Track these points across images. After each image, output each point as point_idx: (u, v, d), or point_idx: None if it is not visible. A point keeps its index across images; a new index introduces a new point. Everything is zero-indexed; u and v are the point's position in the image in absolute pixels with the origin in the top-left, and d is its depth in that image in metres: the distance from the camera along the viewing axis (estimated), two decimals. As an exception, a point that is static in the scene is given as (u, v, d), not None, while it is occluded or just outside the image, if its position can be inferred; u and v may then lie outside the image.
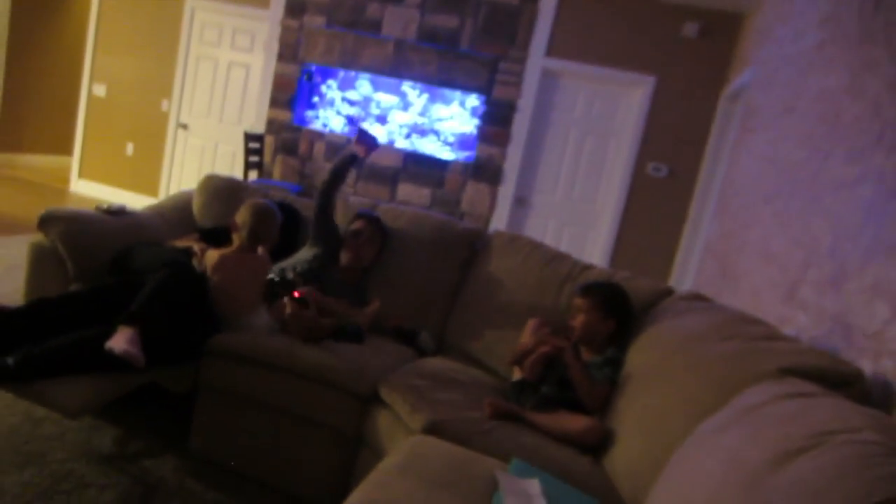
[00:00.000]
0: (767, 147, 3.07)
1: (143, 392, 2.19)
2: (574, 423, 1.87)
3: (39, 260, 2.47)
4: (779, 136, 2.90)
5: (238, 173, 6.30)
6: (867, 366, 1.56)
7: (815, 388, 1.33)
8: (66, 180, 7.11)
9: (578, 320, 2.14)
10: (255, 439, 2.16)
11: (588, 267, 2.50)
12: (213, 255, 2.34)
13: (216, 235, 2.73)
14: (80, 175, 6.95)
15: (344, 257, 2.63)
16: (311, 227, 2.71)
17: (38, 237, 2.49)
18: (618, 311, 2.14)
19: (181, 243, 2.66)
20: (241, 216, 2.38)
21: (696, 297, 2.22)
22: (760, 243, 2.77)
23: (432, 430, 1.77)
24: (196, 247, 2.49)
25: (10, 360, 1.79)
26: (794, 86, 2.82)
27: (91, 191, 6.87)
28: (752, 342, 1.69)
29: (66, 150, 7.66)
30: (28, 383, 1.80)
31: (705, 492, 1.11)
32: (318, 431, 2.10)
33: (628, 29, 5.12)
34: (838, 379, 1.47)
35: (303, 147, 6.01)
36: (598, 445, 1.84)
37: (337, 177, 2.67)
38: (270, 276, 2.45)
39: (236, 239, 2.39)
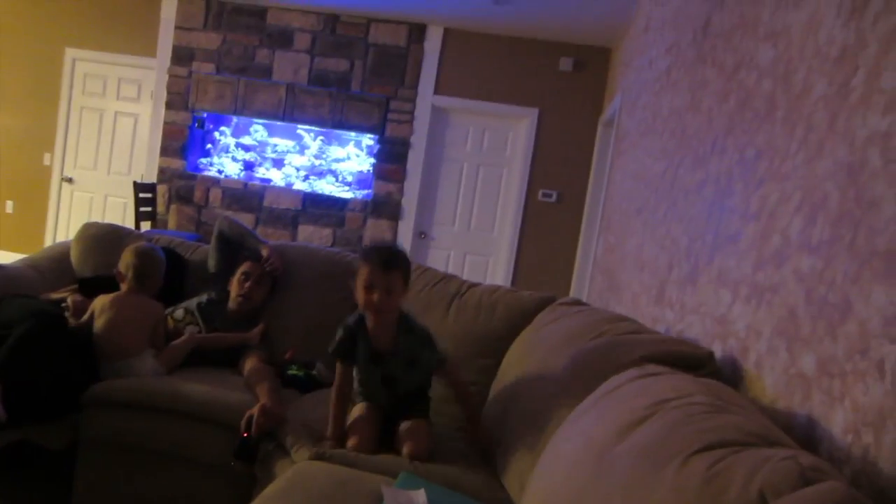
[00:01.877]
0: (635, 164, 3.31)
1: (18, 454, 2.06)
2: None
3: None
4: (643, 153, 3.14)
5: (130, 225, 6.08)
6: (718, 348, 1.71)
7: (665, 369, 1.44)
8: (-62, 244, 6.62)
9: (379, 298, 1.80)
10: (145, 491, 2.07)
11: (475, 285, 2.58)
12: (102, 299, 2.29)
13: (96, 285, 2.63)
14: (-46, 237, 6.50)
15: (233, 302, 2.59)
16: (218, 265, 2.70)
17: None
18: (403, 266, 1.86)
19: (57, 295, 2.54)
20: (124, 261, 2.34)
21: (576, 303, 2.34)
22: (635, 252, 2.96)
23: (321, 455, 1.76)
24: (69, 298, 2.39)
25: None
26: (651, 108, 3.08)
27: (-34, 254, 6.43)
28: (619, 336, 1.80)
29: (-62, 213, 7.15)
30: None
31: (563, 472, 1.18)
32: (211, 474, 2.04)
33: (509, 65, 5.41)
34: (692, 361, 1.60)
35: (198, 195, 5.89)
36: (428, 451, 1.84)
37: (231, 241, 2.75)
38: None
39: (124, 286, 2.34)
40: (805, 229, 1.31)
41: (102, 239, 2.88)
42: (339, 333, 1.92)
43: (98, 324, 2.22)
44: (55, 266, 2.83)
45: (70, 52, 6.23)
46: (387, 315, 1.87)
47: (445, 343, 2.37)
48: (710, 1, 2.25)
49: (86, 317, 2.26)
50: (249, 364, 2.31)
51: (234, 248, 2.74)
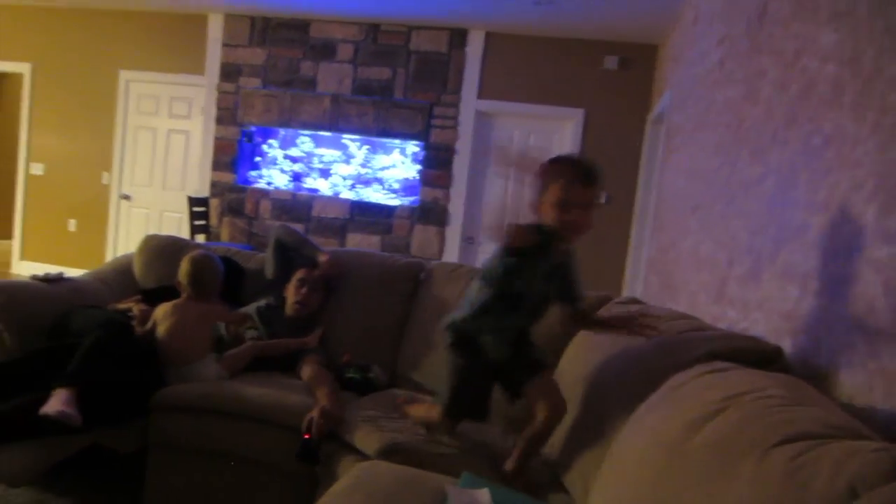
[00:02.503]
0: (688, 161, 3.24)
1: (92, 457, 2.13)
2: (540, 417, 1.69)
3: (-26, 335, 2.40)
4: (696, 149, 3.07)
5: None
6: (787, 344, 1.65)
7: (733, 365, 1.40)
8: (8, 263, 6.91)
9: (579, 216, 1.58)
10: (211, 492, 2.12)
11: (528, 286, 2.56)
12: (164, 307, 2.37)
13: (159, 295, 2.71)
14: (23, 256, 6.79)
15: (290, 309, 2.64)
16: (275, 272, 2.75)
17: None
18: (602, 179, 1.63)
19: (123, 305, 2.63)
20: (181, 270, 2.41)
21: (633, 301, 2.31)
22: (691, 251, 2.89)
23: (386, 453, 1.78)
24: (135, 308, 2.47)
25: (-54, 434, 1.75)
26: (704, 101, 3.01)
27: (34, 271, 6.68)
28: (682, 334, 1.76)
29: (7, 233, 7.49)
30: (-34, 456, 1.76)
31: (632, 469, 1.15)
32: (276, 476, 2.08)
33: (553, 66, 5.38)
34: (761, 357, 1.55)
35: (249, 207, 6.02)
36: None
37: (288, 248, 2.79)
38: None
39: (183, 294, 2.41)
40: (881, 217, 1.26)
41: (163, 250, 2.98)
42: (525, 231, 1.56)
43: (160, 331, 2.29)
44: (119, 278, 2.93)
45: (124, 75, 6.46)
46: (581, 235, 1.57)
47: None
48: (765, -12, 2.19)
49: (148, 325, 2.34)
50: (308, 368, 2.35)
51: (290, 255, 2.79)
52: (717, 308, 2.37)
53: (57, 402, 1.83)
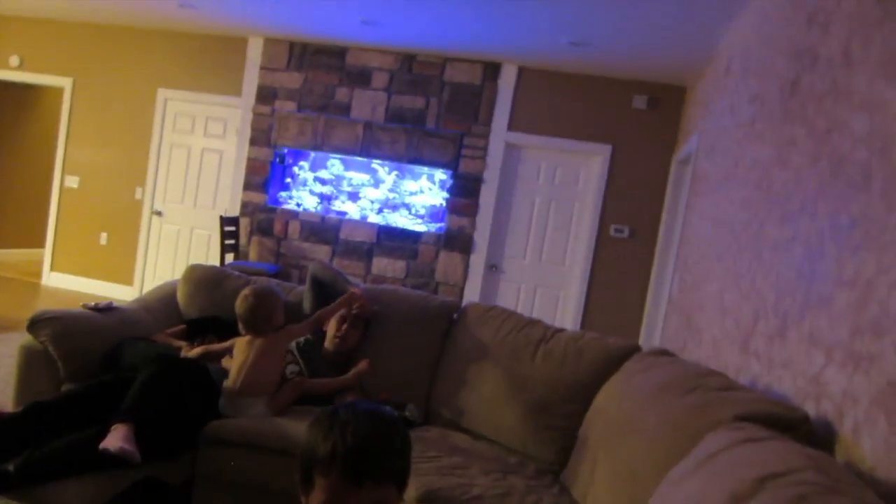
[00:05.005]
0: (714, 209, 3.32)
1: (144, 488, 2.24)
2: None
3: (30, 362, 2.52)
4: (723, 198, 3.16)
5: (214, 257, 6.41)
6: (811, 408, 1.73)
7: (766, 432, 1.49)
8: (38, 274, 7.07)
9: None
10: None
11: (560, 330, 2.66)
12: (240, 342, 2.44)
13: (203, 325, 2.84)
14: (53, 267, 6.90)
15: (329, 343, 2.75)
16: (313, 307, 2.88)
17: (26, 339, 2.54)
18: None
19: (167, 336, 2.75)
20: (237, 307, 2.46)
21: (662, 353, 2.39)
22: (716, 297, 2.98)
23: (427, 499, 1.87)
24: (185, 349, 2.60)
25: (10, 467, 1.85)
26: (733, 155, 3.10)
27: (64, 283, 6.86)
28: (712, 392, 1.85)
29: (39, 242, 7.66)
30: (30, 488, 1.86)
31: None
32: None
33: (583, 103, 5.50)
34: (787, 423, 1.64)
35: (278, 227, 6.17)
36: None
37: (324, 284, 2.92)
38: None
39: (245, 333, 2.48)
40: (906, 304, 1.34)
41: (207, 280, 3.10)
42: None
43: (231, 364, 2.41)
44: (164, 307, 3.05)
45: (162, 93, 6.65)
46: None
47: (534, 388, 2.46)
48: (801, 61, 2.29)
49: (225, 345, 2.49)
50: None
51: (327, 290, 2.91)
52: (741, 359, 2.45)
53: (116, 439, 1.92)
